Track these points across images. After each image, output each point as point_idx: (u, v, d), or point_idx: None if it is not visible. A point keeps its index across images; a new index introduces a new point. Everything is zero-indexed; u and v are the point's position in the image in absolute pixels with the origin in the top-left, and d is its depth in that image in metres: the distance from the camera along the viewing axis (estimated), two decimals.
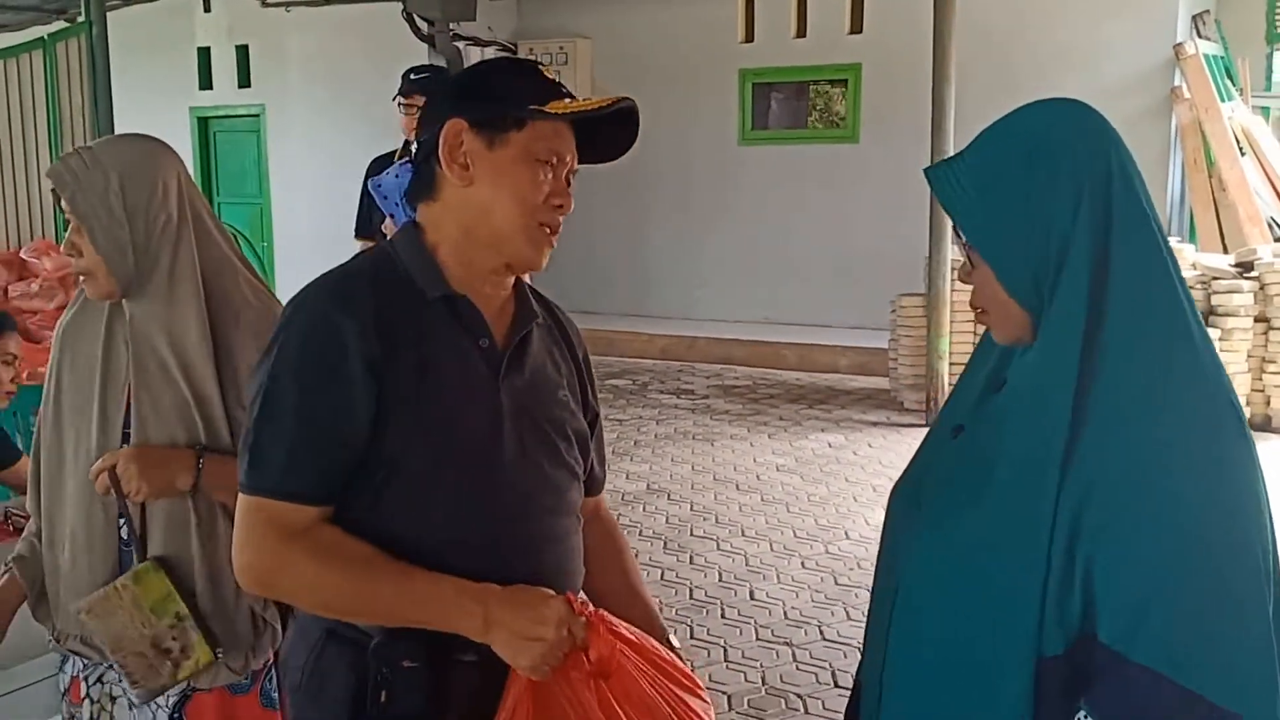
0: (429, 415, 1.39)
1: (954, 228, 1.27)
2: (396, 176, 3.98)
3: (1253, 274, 6.77)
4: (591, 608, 1.43)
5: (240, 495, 1.38)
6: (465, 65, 9.10)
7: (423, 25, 9.02)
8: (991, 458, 1.22)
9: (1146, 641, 1.11)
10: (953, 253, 7.07)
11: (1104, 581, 1.13)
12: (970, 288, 1.28)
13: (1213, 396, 1.18)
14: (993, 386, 1.30)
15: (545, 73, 1.46)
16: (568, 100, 1.42)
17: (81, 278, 1.87)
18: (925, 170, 1.26)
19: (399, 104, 4.25)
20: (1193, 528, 1.13)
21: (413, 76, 4.29)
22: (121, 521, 1.86)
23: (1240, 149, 8.01)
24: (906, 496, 1.37)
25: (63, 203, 1.83)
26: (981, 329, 1.33)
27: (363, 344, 1.35)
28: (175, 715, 1.88)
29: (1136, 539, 1.12)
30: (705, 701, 1.50)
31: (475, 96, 1.43)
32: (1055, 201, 1.17)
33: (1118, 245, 1.16)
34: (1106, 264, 1.16)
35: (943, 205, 1.25)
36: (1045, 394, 1.18)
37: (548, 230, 1.45)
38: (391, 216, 4.03)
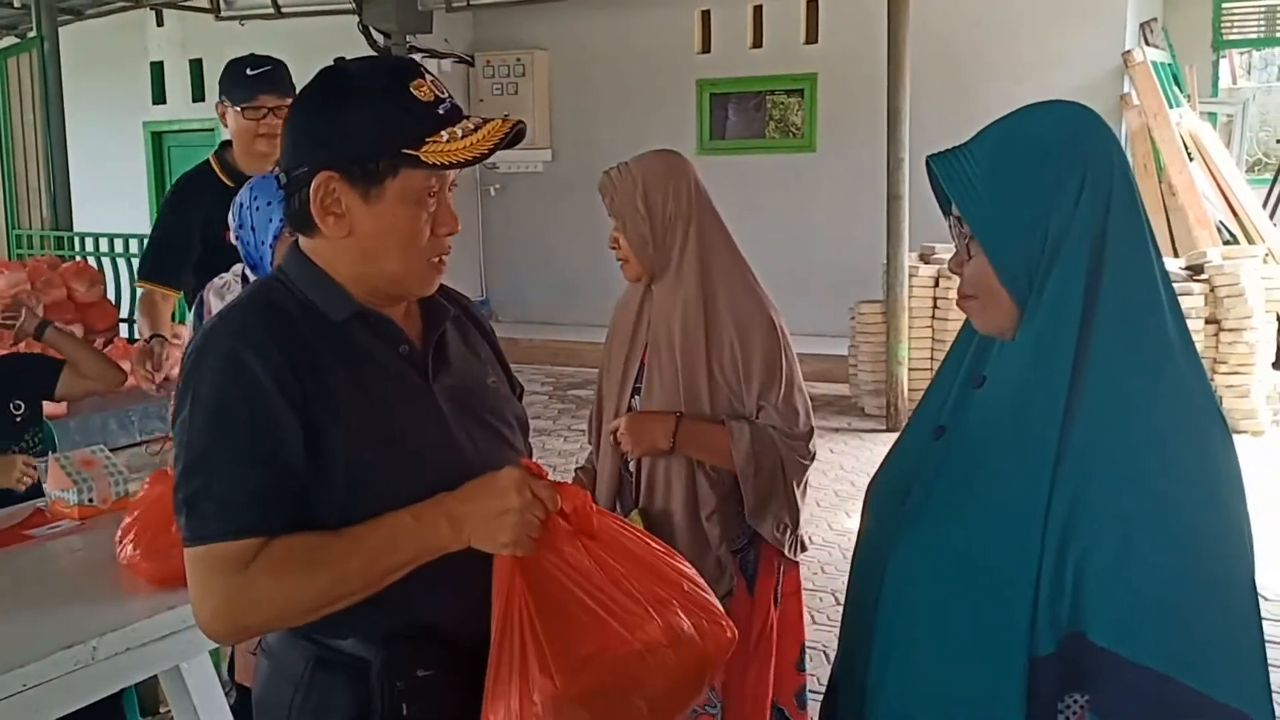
0: (377, 435, 1.35)
1: (954, 217, 1.25)
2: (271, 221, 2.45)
3: (1203, 276, 6.89)
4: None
5: (185, 550, 1.30)
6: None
7: (379, 38, 9.02)
8: (980, 456, 1.21)
9: (1149, 643, 1.10)
10: (910, 259, 7.16)
11: (1098, 581, 1.12)
12: (958, 279, 1.28)
13: (1198, 395, 1.18)
14: (971, 383, 1.29)
15: (417, 91, 1.34)
16: (445, 136, 1.33)
17: (621, 262, 2.32)
18: (929, 157, 1.25)
19: (240, 110, 3.19)
20: (1188, 526, 1.12)
21: (250, 72, 3.19)
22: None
23: (1189, 154, 8.16)
24: (888, 496, 1.35)
25: (606, 202, 2.29)
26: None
27: (277, 379, 1.29)
28: None
29: (1131, 538, 1.11)
30: (687, 562, 1.48)
31: (343, 143, 1.33)
32: (1060, 200, 1.17)
33: (1112, 246, 1.17)
34: (1101, 263, 1.16)
35: (948, 193, 1.24)
36: (1035, 390, 1.17)
37: (438, 260, 1.41)
38: (253, 267, 2.53)
